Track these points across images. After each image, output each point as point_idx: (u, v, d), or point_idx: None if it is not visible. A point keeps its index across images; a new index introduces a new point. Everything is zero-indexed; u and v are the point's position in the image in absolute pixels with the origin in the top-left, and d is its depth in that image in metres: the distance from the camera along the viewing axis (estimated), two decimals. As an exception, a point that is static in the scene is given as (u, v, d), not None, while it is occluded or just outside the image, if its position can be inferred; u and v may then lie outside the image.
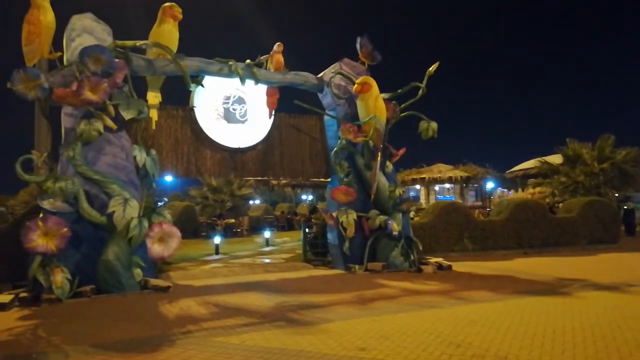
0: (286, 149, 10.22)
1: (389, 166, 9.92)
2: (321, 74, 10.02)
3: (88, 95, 6.73)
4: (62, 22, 7.45)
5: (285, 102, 9.89)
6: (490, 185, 26.35)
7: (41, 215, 6.79)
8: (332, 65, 10.03)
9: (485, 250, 11.88)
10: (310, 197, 36.78)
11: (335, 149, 9.64)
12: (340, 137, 9.53)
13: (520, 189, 23.22)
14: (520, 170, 25.19)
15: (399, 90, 9.94)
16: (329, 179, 10.49)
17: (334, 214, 9.30)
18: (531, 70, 75.03)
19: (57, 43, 7.22)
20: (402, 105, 9.90)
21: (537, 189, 19.99)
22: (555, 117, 69.61)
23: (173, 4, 8.09)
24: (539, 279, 8.02)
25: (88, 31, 7.51)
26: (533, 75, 74.57)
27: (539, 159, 20.62)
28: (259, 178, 10.72)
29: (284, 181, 30.16)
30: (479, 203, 25.32)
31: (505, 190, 26.04)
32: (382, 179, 9.56)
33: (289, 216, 24.72)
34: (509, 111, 75.15)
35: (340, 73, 9.74)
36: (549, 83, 75.30)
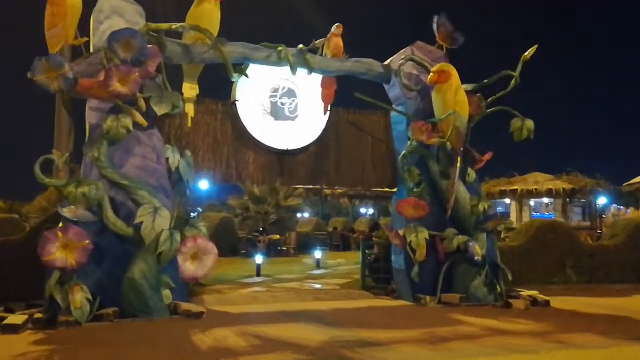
0: (344, 151, 10.29)
1: (472, 174, 9.74)
2: (388, 60, 10.02)
3: (117, 86, 7.09)
4: (89, 3, 7.92)
5: (344, 95, 9.97)
6: (602, 200, 25.38)
7: (61, 224, 7.20)
8: (402, 51, 10.01)
9: (595, 284, 11.41)
10: (371, 211, 36.65)
11: (403, 152, 9.59)
12: (410, 138, 9.47)
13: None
14: (642, 182, 24.09)
15: (486, 81, 9.75)
16: (395, 189, 10.44)
17: (401, 232, 9.23)
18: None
19: (83, 27, 7.68)
20: (489, 99, 9.70)
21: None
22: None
23: (216, -19, 8.39)
24: (666, 323, 7.62)
25: (118, 13, 7.93)
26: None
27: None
28: (310, 186, 10.86)
29: (339, 191, 30.25)
30: (587, 223, 24.48)
31: (621, 207, 24.95)
32: (462, 190, 9.39)
33: (344, 233, 24.75)
34: (626, 109, 71.75)
35: (412, 59, 9.70)
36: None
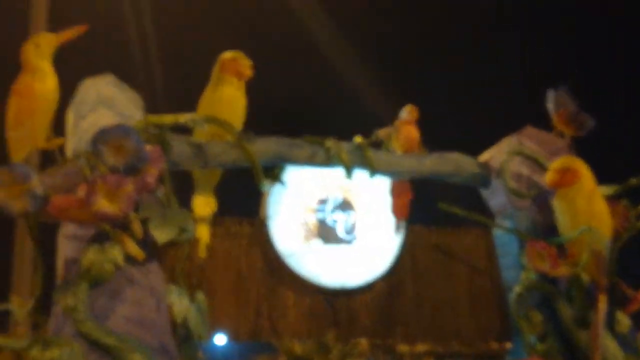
0: (426, 289, 10.12)
1: (623, 320, 9.30)
2: (485, 154, 10.00)
3: (102, 204, 7.18)
4: (66, 93, 8.29)
5: (424, 206, 9.93)
6: None
7: (19, 406, 7.11)
8: (505, 140, 9.98)
9: None
10: (470, 377, 35.33)
11: (516, 289, 9.30)
12: (525, 267, 9.24)
13: None
14: None
15: (634, 180, 9.60)
16: (508, 345, 10.06)
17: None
18: None
19: (58, 125, 7.99)
20: (640, 207, 9.52)
21: None
22: None
23: (237, 53, 8.61)
24: None
25: (106, 103, 8.23)
26: None
27: None
28: (378, 341, 10.63)
29: (421, 348, 29.47)
30: None
31: None
32: (610, 347, 8.94)
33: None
34: None
35: (520, 153, 9.65)
36: None
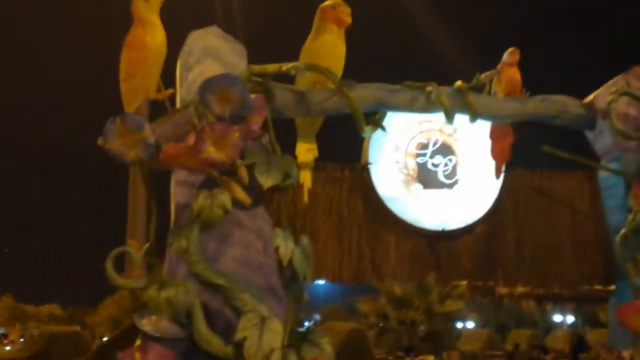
0: (527, 232, 10.02)
1: None
2: (590, 96, 9.73)
3: (211, 152, 7.42)
4: (174, 45, 8.54)
5: (525, 149, 9.81)
6: None
7: (138, 341, 7.49)
8: (611, 82, 9.69)
9: None
10: (572, 320, 34.96)
11: (622, 230, 9.13)
12: (632, 209, 9.04)
13: None
14: None
15: None
16: (612, 287, 9.91)
17: (626, 354, 8.66)
18: None
19: (167, 76, 8.26)
20: None
21: None
22: None
23: (338, 1, 8.65)
24: None
25: (212, 54, 8.43)
26: None
27: None
28: (478, 283, 10.66)
29: (521, 290, 29.22)
30: None
31: None
32: None
33: (532, 354, 23.73)
34: None
35: (628, 93, 9.35)
36: None
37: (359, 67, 9.57)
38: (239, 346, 7.65)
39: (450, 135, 9.68)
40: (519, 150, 10.48)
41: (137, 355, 7.42)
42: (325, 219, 9.39)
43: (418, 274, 10.03)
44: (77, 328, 14.02)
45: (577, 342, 20.75)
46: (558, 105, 10.27)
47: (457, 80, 9.60)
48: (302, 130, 9.68)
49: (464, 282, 12.90)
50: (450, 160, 9.83)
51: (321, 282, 15.88)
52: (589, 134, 10.51)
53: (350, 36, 9.10)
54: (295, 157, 9.36)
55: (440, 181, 9.73)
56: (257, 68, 8.88)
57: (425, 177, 9.72)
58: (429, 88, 9.56)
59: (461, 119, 9.71)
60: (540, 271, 10.21)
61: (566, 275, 10.29)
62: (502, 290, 29.00)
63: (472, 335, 27.92)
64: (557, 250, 10.08)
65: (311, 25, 8.78)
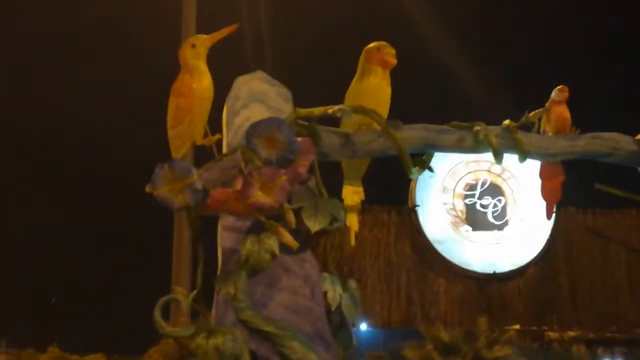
0: (581, 272, 9.78)
1: None
2: (645, 132, 9.56)
3: (258, 196, 7.37)
4: (220, 90, 8.55)
5: (578, 188, 9.60)
6: None
7: (188, 394, 7.41)
8: (664, 117, 9.52)
9: None
10: (623, 363, 33.79)
11: (682, 272, 8.86)
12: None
13: None
14: None
15: None
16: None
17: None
18: None
19: (213, 121, 8.26)
20: None
21: None
22: None
23: (382, 43, 8.59)
24: None
25: (258, 98, 8.42)
26: None
27: None
28: (529, 328, 10.35)
29: (571, 334, 28.50)
30: None
31: None
32: None
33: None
34: None
35: (683, 128, 9.15)
36: None
37: (405, 108, 9.48)
38: (288, 394, 7.55)
39: (498, 175, 9.50)
40: (570, 190, 10.28)
41: (187, 406, 7.34)
42: (372, 262, 9.27)
43: (468, 317, 9.80)
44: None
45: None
46: (610, 142, 10.03)
47: (505, 119, 9.51)
48: (348, 173, 9.56)
49: (516, 327, 12.56)
50: (499, 200, 9.65)
51: (363, 326, 15.60)
52: (643, 172, 10.28)
53: (396, 77, 9.04)
54: (341, 200, 9.30)
55: (489, 222, 9.53)
56: (303, 111, 8.83)
57: (474, 219, 9.54)
58: (477, 127, 9.42)
59: (510, 158, 9.58)
60: (596, 314, 9.90)
61: (622, 317, 9.95)
62: (552, 334, 28.27)
63: (523, 382, 27.16)
64: (615, 292, 9.77)
65: (355, 68, 8.76)
